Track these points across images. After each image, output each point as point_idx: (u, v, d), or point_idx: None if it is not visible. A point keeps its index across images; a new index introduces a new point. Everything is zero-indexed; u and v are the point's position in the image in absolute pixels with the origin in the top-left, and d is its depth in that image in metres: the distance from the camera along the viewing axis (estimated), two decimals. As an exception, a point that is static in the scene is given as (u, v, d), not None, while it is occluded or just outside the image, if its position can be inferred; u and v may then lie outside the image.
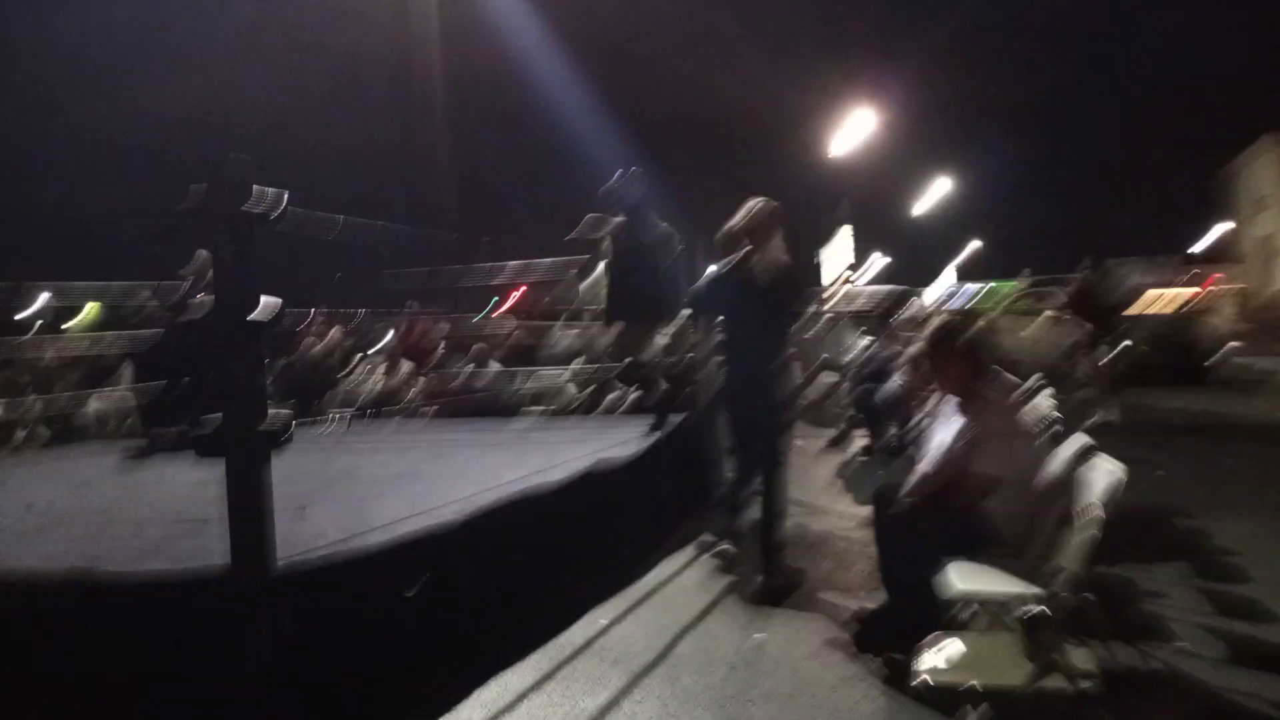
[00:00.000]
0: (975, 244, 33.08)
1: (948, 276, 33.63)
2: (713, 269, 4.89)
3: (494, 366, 9.24)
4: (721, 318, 4.70)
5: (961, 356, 3.38)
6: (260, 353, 2.95)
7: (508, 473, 4.59)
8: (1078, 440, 3.52)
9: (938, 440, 3.58)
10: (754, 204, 4.60)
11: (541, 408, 8.36)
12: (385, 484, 4.58)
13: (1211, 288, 20.97)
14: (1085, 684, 2.24)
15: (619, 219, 6.05)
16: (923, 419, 4.85)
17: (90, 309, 9.08)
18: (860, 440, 8.22)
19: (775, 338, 4.56)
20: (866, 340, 9.39)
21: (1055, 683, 2.23)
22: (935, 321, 3.56)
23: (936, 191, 32.13)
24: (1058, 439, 3.82)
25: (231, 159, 2.86)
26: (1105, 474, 3.10)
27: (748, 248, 4.54)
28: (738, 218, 4.62)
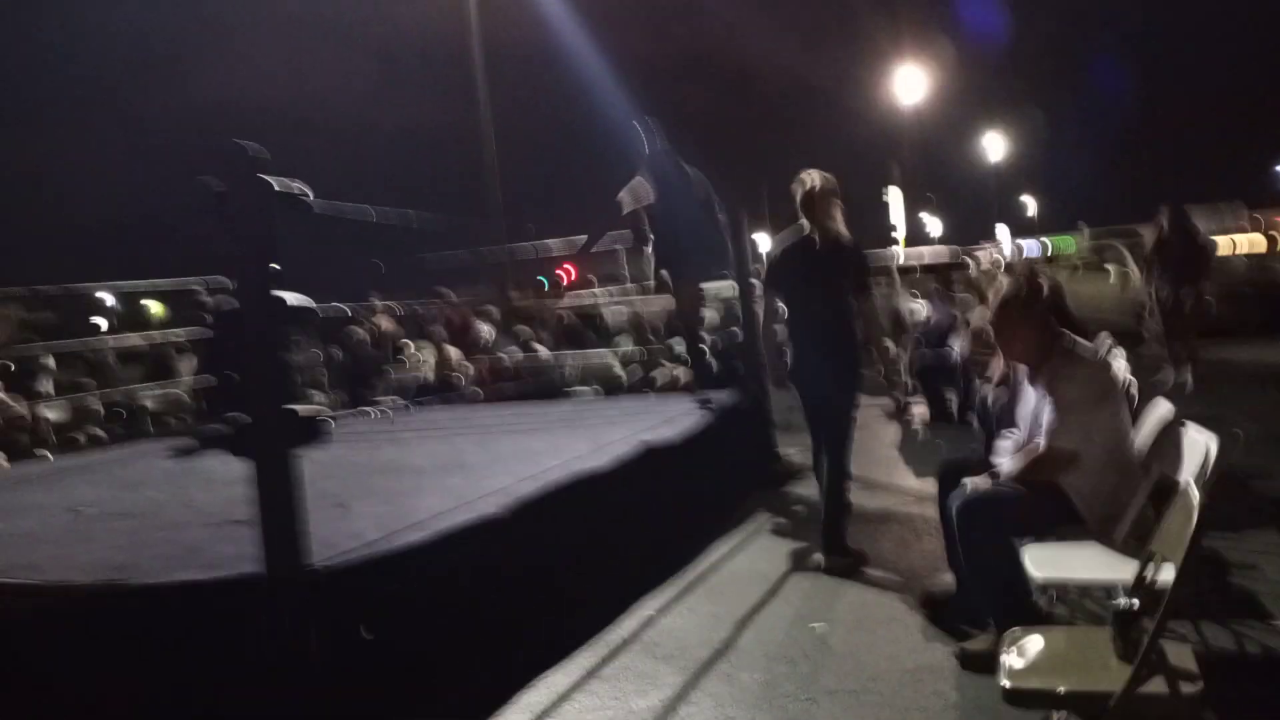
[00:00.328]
0: (1028, 199, 32.04)
1: (1002, 233, 32.68)
2: (775, 242, 4.72)
3: (541, 348, 9.13)
4: (784, 294, 4.54)
5: (1030, 324, 3.11)
6: (284, 348, 2.85)
7: (552, 458, 4.48)
8: (1161, 407, 3.26)
9: (1017, 413, 3.33)
10: (809, 177, 4.38)
11: (590, 388, 8.23)
12: (428, 475, 4.48)
13: None
14: (1186, 687, 2.01)
15: (642, 177, 5.95)
16: (984, 386, 4.60)
17: (153, 306, 9.18)
18: (919, 409, 7.93)
19: (839, 312, 4.39)
20: (923, 304, 9.06)
21: (1151, 686, 2.00)
22: (999, 288, 3.29)
23: (989, 147, 31.21)
24: (1134, 404, 3.55)
25: (247, 147, 2.76)
26: (1196, 445, 2.84)
27: (805, 222, 4.37)
28: (794, 193, 4.43)
